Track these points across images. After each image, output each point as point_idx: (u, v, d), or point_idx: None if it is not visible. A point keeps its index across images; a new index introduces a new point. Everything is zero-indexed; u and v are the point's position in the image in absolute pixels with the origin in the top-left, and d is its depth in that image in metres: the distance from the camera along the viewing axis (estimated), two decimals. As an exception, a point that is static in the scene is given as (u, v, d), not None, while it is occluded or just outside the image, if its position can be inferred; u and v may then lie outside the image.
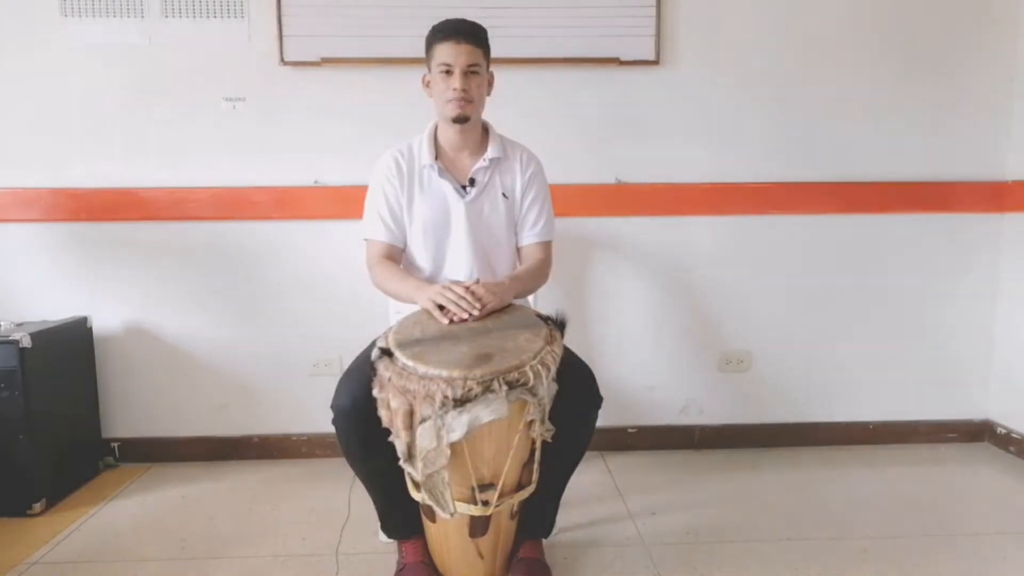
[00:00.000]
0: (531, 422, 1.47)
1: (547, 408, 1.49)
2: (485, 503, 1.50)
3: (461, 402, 1.37)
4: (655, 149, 2.52)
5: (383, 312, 1.98)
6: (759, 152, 2.54)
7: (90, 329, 2.46)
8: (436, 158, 1.85)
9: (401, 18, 2.36)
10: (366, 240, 1.88)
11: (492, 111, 1.91)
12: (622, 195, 2.53)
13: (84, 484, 2.38)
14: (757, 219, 2.57)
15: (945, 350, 2.66)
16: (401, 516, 1.73)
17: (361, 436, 1.59)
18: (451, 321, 1.60)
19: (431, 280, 1.83)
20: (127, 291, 2.50)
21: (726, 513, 2.14)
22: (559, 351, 1.51)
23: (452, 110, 1.77)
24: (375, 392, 1.48)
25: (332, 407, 1.62)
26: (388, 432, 1.49)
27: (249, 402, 2.56)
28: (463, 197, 1.84)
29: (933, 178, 2.57)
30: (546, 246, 1.92)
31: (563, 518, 1.88)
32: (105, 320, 2.50)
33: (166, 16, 2.39)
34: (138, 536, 2.04)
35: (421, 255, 1.86)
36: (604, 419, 1.74)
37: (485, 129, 1.91)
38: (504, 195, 1.87)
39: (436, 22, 1.79)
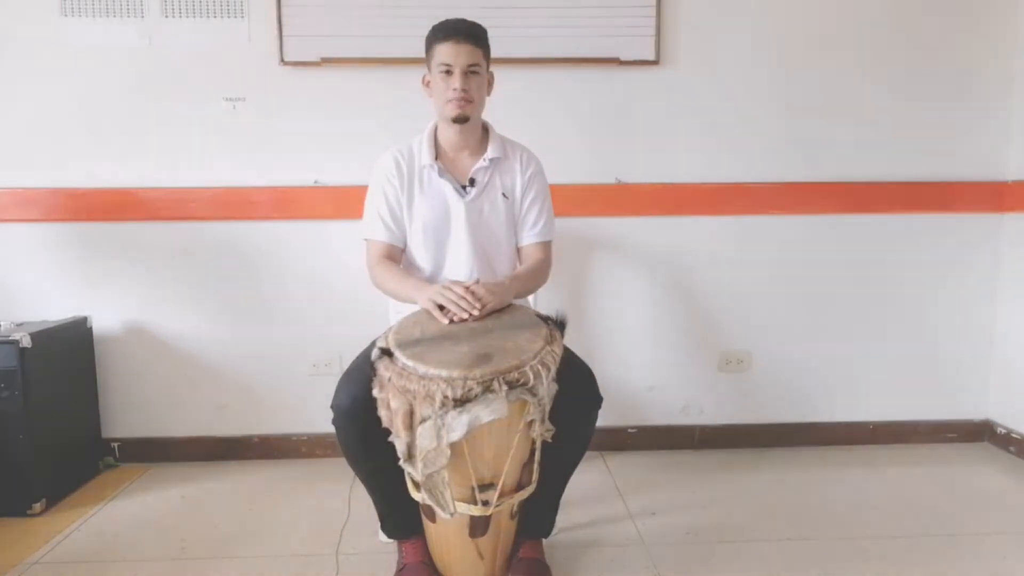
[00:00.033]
0: (531, 422, 1.47)
1: (547, 408, 1.49)
2: (485, 503, 1.50)
3: (461, 402, 1.37)
4: (655, 149, 2.52)
5: (383, 312, 1.98)
6: (759, 152, 2.54)
7: (90, 329, 2.46)
8: (436, 158, 1.85)
9: (401, 18, 2.36)
10: (366, 240, 1.88)
11: (492, 111, 1.91)
12: (622, 195, 2.53)
13: (84, 484, 2.38)
14: (757, 219, 2.57)
15: (945, 350, 2.66)
16: (401, 516, 1.73)
17: (361, 436, 1.59)
18: (451, 321, 1.60)
19: (431, 280, 1.83)
20: (127, 291, 2.50)
21: (726, 513, 2.14)
22: (559, 351, 1.51)
23: (452, 110, 1.77)
24: (375, 392, 1.48)
25: (332, 407, 1.62)
26: (388, 432, 1.48)
27: (249, 402, 2.56)
28: (463, 197, 1.84)
29: (933, 178, 2.57)
30: (546, 246, 1.92)
31: (563, 518, 1.88)
32: (105, 320, 2.50)
33: (166, 16, 2.39)
34: (138, 536, 2.04)
35: (421, 255, 1.86)
36: (604, 419, 1.74)
37: (485, 129, 1.91)
38: (504, 195, 1.87)
39: (436, 22, 1.79)
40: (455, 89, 1.75)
